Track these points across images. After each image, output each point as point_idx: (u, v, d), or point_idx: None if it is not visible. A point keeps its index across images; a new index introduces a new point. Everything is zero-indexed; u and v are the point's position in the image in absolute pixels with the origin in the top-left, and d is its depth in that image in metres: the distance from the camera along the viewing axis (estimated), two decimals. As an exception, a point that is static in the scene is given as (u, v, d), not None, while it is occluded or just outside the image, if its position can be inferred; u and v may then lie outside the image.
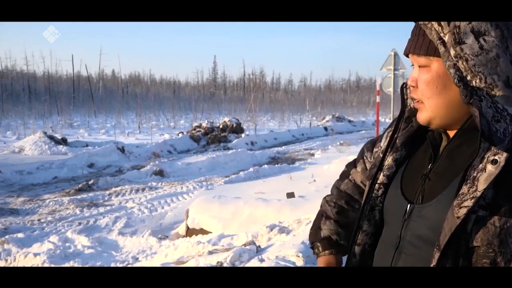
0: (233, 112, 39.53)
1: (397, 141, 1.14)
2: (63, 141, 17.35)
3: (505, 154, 0.87)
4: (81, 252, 6.16)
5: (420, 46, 1.00)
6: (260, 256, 4.69)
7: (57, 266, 5.34)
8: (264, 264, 4.42)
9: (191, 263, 4.83)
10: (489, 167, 0.88)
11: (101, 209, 8.55)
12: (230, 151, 15.44)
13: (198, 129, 21.22)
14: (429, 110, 1.02)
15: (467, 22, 0.94)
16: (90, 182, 10.60)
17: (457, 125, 1.02)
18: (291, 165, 12.83)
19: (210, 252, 5.17)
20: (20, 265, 5.64)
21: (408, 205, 1.05)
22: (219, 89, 74.42)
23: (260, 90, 53.01)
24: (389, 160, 1.14)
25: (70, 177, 11.92)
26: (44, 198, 9.49)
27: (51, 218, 7.96)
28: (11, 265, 5.70)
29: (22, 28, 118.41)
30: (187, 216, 6.90)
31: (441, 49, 0.95)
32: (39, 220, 7.88)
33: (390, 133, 1.18)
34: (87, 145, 17.52)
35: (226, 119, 23.13)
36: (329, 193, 1.47)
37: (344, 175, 1.44)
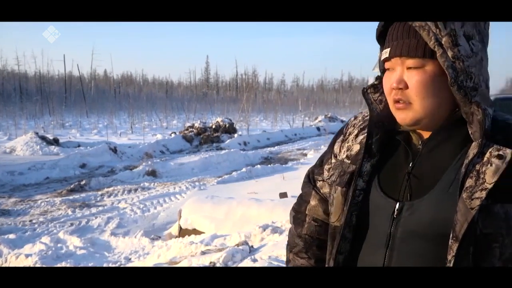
0: (226, 112, 39.53)
1: (373, 147, 1.16)
2: (55, 142, 17.25)
3: (509, 151, 0.95)
4: (73, 253, 6.12)
5: (414, 48, 1.02)
6: (253, 256, 4.69)
7: (50, 266, 5.31)
8: (257, 264, 4.42)
9: (184, 264, 4.82)
10: (496, 161, 0.95)
11: (93, 210, 8.52)
12: (223, 151, 15.42)
13: (191, 129, 21.19)
14: (420, 110, 1.04)
15: (460, 26, 0.99)
16: (82, 183, 10.55)
17: (434, 126, 1.07)
18: (284, 165, 12.85)
19: (203, 253, 5.16)
20: (11, 266, 5.60)
21: (397, 204, 1.07)
22: (211, 89, 74.37)
23: (252, 90, 53.01)
24: (367, 166, 1.15)
25: (62, 178, 11.86)
26: (35, 199, 9.43)
27: (43, 219, 7.92)
28: (3, 266, 5.66)
29: (14, 28, 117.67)
30: (180, 216, 6.89)
31: (439, 51, 0.98)
32: (30, 221, 7.83)
33: (361, 138, 1.20)
34: (79, 146, 17.43)
35: (219, 119, 23.10)
36: (292, 243, 1.40)
37: (299, 219, 1.38)
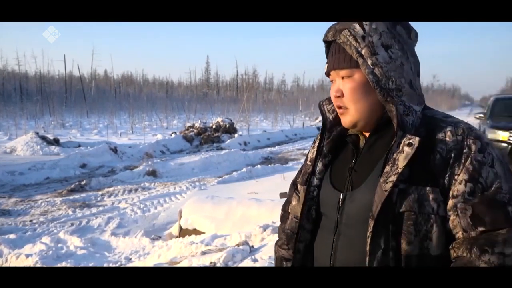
0: (226, 112, 39.49)
1: (324, 149, 1.37)
2: (55, 142, 17.25)
3: (417, 138, 1.12)
4: (73, 253, 6.12)
5: (342, 61, 1.21)
6: (253, 256, 4.69)
7: (50, 266, 5.31)
8: (257, 264, 4.42)
9: (184, 264, 4.82)
10: (406, 148, 1.12)
11: (94, 210, 8.52)
12: (223, 151, 15.42)
13: (191, 129, 21.17)
14: (355, 114, 1.23)
15: (378, 38, 1.17)
16: (83, 183, 10.55)
17: (371, 126, 1.25)
18: (284, 165, 12.84)
19: (203, 253, 5.16)
20: (12, 266, 5.60)
21: (341, 194, 1.26)
22: (212, 89, 74.32)
23: (253, 90, 52.98)
24: (319, 166, 1.36)
25: (62, 178, 11.86)
26: (36, 199, 9.43)
27: (43, 219, 7.92)
28: (3, 266, 5.66)
29: (14, 28, 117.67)
30: (180, 216, 6.88)
31: (360, 60, 1.17)
32: (31, 221, 7.83)
33: (317, 143, 1.40)
34: (79, 146, 17.43)
35: (219, 119, 23.08)
36: (279, 237, 1.58)
37: (284, 216, 1.57)
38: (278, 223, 1.65)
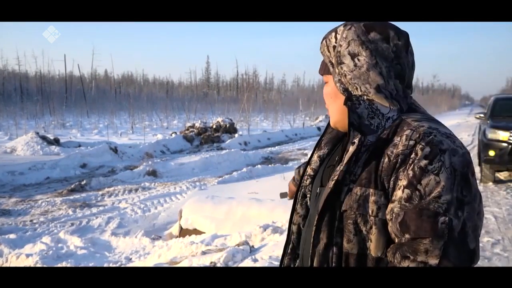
0: (226, 112, 39.50)
1: (322, 142, 1.44)
2: (56, 142, 17.26)
3: (358, 137, 1.18)
4: (73, 252, 6.13)
5: (322, 68, 1.32)
6: (253, 256, 4.69)
7: (50, 266, 5.31)
8: (257, 264, 4.42)
9: (184, 264, 4.83)
10: (350, 147, 1.19)
11: (94, 210, 8.52)
12: (223, 151, 15.42)
13: (191, 129, 21.18)
14: (332, 115, 1.32)
15: (346, 47, 1.22)
16: (83, 183, 10.56)
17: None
18: (284, 165, 12.84)
19: (204, 253, 5.16)
20: (12, 266, 5.60)
21: (318, 189, 1.32)
22: (212, 89, 74.33)
23: (253, 90, 52.97)
24: (314, 157, 1.42)
25: (63, 178, 11.86)
26: (36, 199, 9.44)
27: (43, 218, 7.92)
28: (3, 266, 5.66)
29: (14, 28, 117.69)
30: (180, 216, 6.89)
31: (331, 69, 1.27)
32: (31, 221, 7.83)
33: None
34: (79, 146, 17.44)
35: (220, 119, 23.09)
36: None
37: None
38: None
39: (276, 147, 19.53)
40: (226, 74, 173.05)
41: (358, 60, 1.21)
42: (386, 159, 1.14)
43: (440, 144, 1.10)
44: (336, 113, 1.31)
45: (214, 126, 21.65)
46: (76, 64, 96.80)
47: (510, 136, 8.66)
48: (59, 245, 6.35)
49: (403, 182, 1.10)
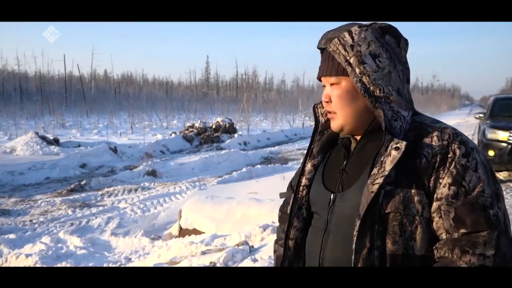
0: (226, 112, 39.46)
1: (314, 150, 1.42)
2: (55, 142, 17.25)
3: (404, 143, 1.17)
4: (73, 252, 6.12)
5: (331, 69, 1.27)
6: (253, 256, 4.70)
7: (50, 266, 5.31)
8: (257, 264, 4.42)
9: (184, 264, 4.82)
10: (393, 152, 1.17)
11: (94, 210, 8.51)
12: (223, 151, 15.41)
13: (191, 129, 21.17)
14: (342, 118, 1.28)
15: (366, 47, 1.21)
16: (83, 183, 10.55)
17: (361, 130, 1.30)
18: (284, 165, 12.83)
19: (203, 253, 5.16)
20: (11, 266, 5.60)
21: (332, 195, 1.30)
22: (212, 89, 74.26)
23: (253, 90, 52.93)
24: (308, 166, 1.41)
25: (62, 178, 11.85)
26: (36, 199, 9.43)
27: (43, 218, 7.91)
28: (3, 266, 5.65)
29: (14, 28, 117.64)
30: (180, 216, 6.88)
31: (349, 69, 1.22)
32: (31, 221, 7.83)
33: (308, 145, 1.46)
34: (79, 146, 17.42)
35: (219, 119, 23.08)
36: (278, 236, 1.62)
37: (282, 217, 1.60)
38: (278, 223, 1.66)
39: (276, 147, 19.51)
40: (225, 74, 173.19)
41: (380, 61, 1.22)
42: (424, 160, 1.17)
43: (468, 142, 1.19)
44: (351, 115, 1.28)
45: (213, 126, 21.63)
46: (76, 64, 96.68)
47: (510, 136, 8.66)
48: (59, 245, 6.35)
49: (447, 180, 1.15)
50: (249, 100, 33.71)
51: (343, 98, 1.27)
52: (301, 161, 1.54)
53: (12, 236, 6.73)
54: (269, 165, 12.86)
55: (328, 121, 1.39)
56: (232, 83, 77.28)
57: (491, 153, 8.56)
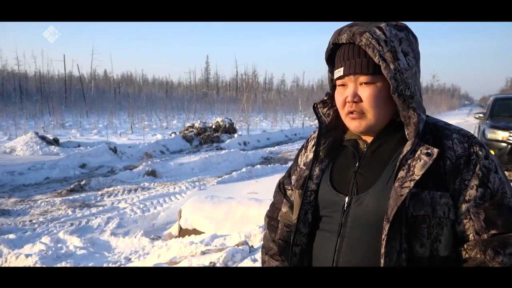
0: (226, 112, 39.49)
1: (321, 154, 1.37)
2: (55, 142, 17.24)
3: (436, 150, 1.15)
4: (73, 253, 6.12)
5: (366, 66, 1.20)
6: (253, 256, 4.70)
7: (50, 266, 5.30)
8: (257, 264, 4.42)
9: (184, 264, 4.82)
10: (424, 157, 1.15)
11: (93, 210, 8.51)
12: (223, 151, 15.41)
13: (191, 129, 21.16)
14: (373, 120, 1.24)
15: (399, 44, 1.18)
16: (82, 183, 10.54)
17: (377, 130, 1.27)
18: (284, 165, 12.84)
19: (203, 253, 5.16)
20: (11, 266, 5.59)
21: (346, 198, 1.26)
22: (211, 89, 74.29)
23: (252, 90, 52.93)
24: (316, 171, 1.36)
25: (62, 178, 11.85)
26: (35, 199, 9.43)
27: (42, 219, 7.91)
28: (3, 266, 5.65)
29: (14, 28, 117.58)
30: (180, 216, 6.88)
31: (383, 64, 1.17)
32: (30, 221, 7.82)
33: (309, 146, 1.43)
34: (79, 146, 17.42)
35: (219, 119, 23.07)
36: (267, 246, 1.56)
37: (273, 225, 1.57)
38: (267, 230, 1.61)
39: (276, 147, 19.51)
40: (225, 74, 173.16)
41: (409, 60, 1.20)
42: (448, 162, 1.17)
43: (484, 144, 1.21)
44: (383, 117, 1.25)
45: (213, 126, 21.63)
46: (76, 64, 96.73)
47: (509, 136, 8.67)
48: (59, 245, 6.34)
49: (474, 182, 1.16)
50: (249, 100, 33.70)
51: (379, 99, 1.22)
52: (293, 163, 1.54)
53: (12, 236, 6.72)
54: (269, 165, 12.86)
55: (332, 122, 1.36)
56: (232, 83, 77.28)
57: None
